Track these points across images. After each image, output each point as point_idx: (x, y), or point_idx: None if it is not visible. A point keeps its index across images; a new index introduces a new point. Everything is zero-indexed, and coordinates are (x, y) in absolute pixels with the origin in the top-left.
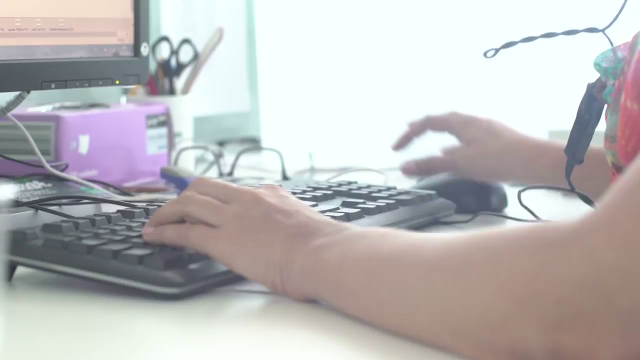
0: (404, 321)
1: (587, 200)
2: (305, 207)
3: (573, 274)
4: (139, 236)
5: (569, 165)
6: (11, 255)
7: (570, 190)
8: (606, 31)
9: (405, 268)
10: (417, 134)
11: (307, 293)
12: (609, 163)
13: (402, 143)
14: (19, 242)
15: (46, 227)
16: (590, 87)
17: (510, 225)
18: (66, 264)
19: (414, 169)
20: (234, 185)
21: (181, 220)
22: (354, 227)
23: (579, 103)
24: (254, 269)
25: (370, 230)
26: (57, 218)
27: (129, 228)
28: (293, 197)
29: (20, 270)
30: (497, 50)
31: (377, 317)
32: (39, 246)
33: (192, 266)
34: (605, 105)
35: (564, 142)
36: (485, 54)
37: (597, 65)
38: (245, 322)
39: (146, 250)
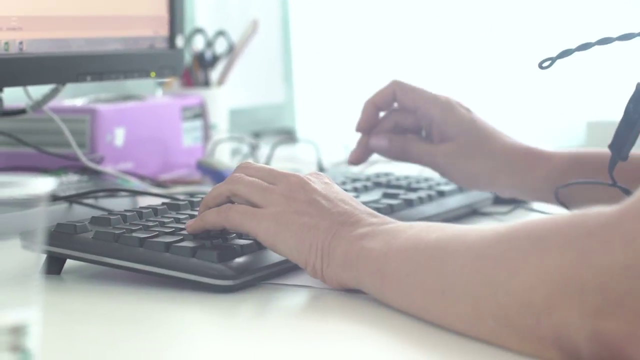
0: (447, 309)
1: (629, 194)
2: (350, 197)
3: (614, 260)
4: None
5: (613, 161)
6: (61, 248)
7: (612, 185)
8: None
9: (450, 255)
10: (382, 109)
11: (347, 281)
12: None
13: (368, 122)
14: (69, 235)
15: (95, 220)
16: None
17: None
18: (118, 256)
19: (385, 148)
20: (280, 169)
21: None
22: (398, 221)
23: (626, 101)
24: (296, 251)
25: (416, 223)
26: (92, 211)
27: (177, 220)
28: (337, 186)
29: (69, 263)
30: (553, 61)
31: (420, 306)
32: (90, 239)
33: (244, 258)
34: None
35: (557, 151)
36: (540, 65)
37: None
38: (293, 315)
39: (198, 242)
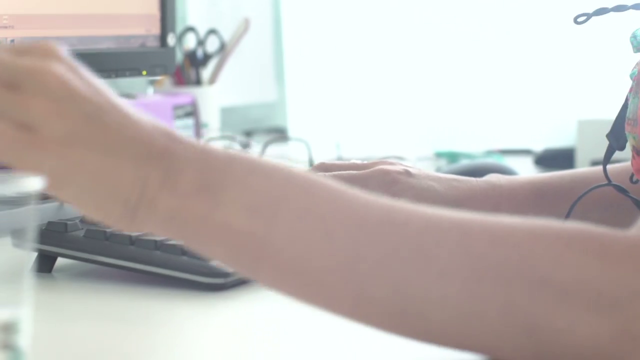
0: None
1: (623, 191)
2: (121, 102)
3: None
4: None
5: (609, 152)
6: (52, 246)
7: (607, 184)
8: None
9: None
10: None
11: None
12: (630, 146)
13: None
14: (60, 233)
15: (85, 218)
16: None
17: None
18: (109, 255)
19: None
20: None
21: None
22: (218, 150)
23: (620, 96)
24: (91, 199)
25: (256, 164)
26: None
27: None
28: (88, 73)
29: (59, 261)
30: (588, 17)
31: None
32: (81, 237)
33: None
34: (629, 88)
35: (516, 182)
36: (575, 20)
37: (633, 38)
38: (285, 314)
39: None
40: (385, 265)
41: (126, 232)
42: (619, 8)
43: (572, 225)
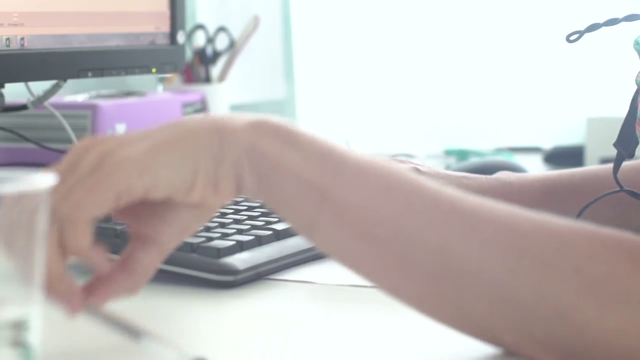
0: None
1: (636, 196)
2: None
3: None
4: None
5: (618, 160)
6: None
7: (619, 191)
8: None
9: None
10: None
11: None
12: None
13: None
14: None
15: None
16: None
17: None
18: (119, 252)
19: None
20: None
21: None
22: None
23: (629, 96)
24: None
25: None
26: None
27: None
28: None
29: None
30: (580, 34)
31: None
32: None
33: (245, 254)
34: (636, 89)
35: (525, 179)
36: (567, 38)
37: (636, 45)
38: (295, 311)
39: (199, 238)
40: (432, 227)
41: None
42: (611, 22)
43: (606, 228)
